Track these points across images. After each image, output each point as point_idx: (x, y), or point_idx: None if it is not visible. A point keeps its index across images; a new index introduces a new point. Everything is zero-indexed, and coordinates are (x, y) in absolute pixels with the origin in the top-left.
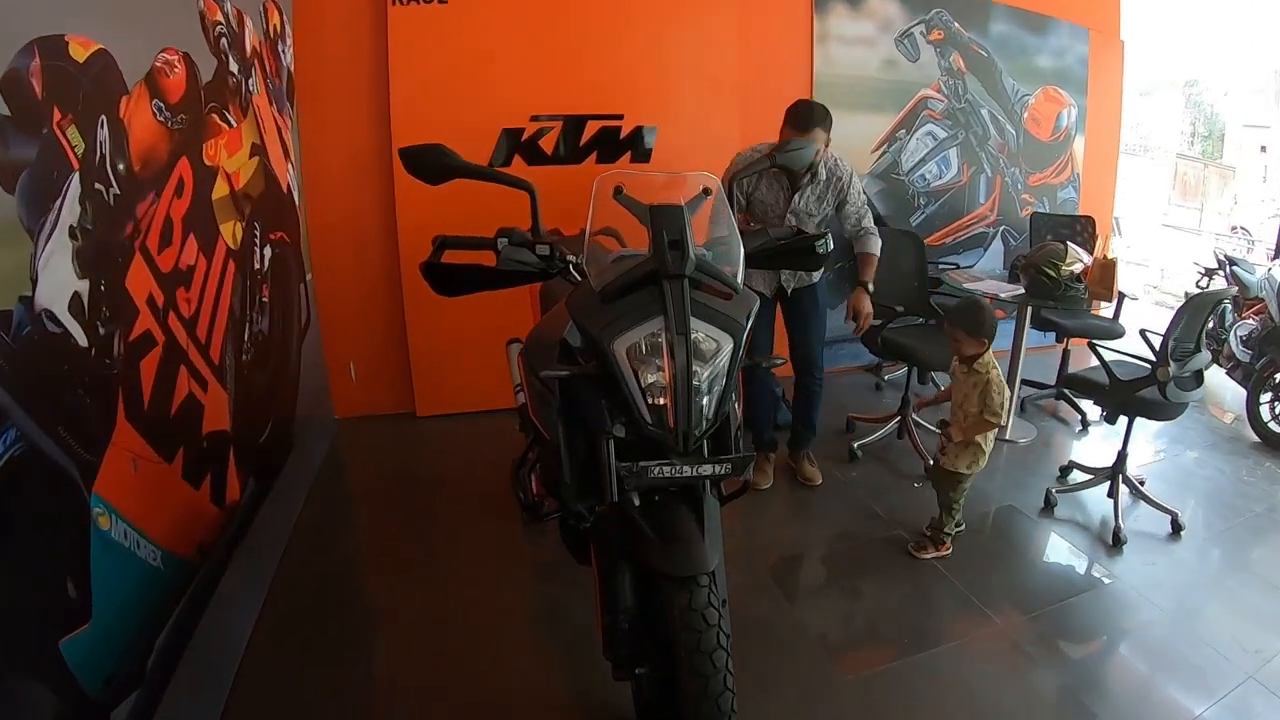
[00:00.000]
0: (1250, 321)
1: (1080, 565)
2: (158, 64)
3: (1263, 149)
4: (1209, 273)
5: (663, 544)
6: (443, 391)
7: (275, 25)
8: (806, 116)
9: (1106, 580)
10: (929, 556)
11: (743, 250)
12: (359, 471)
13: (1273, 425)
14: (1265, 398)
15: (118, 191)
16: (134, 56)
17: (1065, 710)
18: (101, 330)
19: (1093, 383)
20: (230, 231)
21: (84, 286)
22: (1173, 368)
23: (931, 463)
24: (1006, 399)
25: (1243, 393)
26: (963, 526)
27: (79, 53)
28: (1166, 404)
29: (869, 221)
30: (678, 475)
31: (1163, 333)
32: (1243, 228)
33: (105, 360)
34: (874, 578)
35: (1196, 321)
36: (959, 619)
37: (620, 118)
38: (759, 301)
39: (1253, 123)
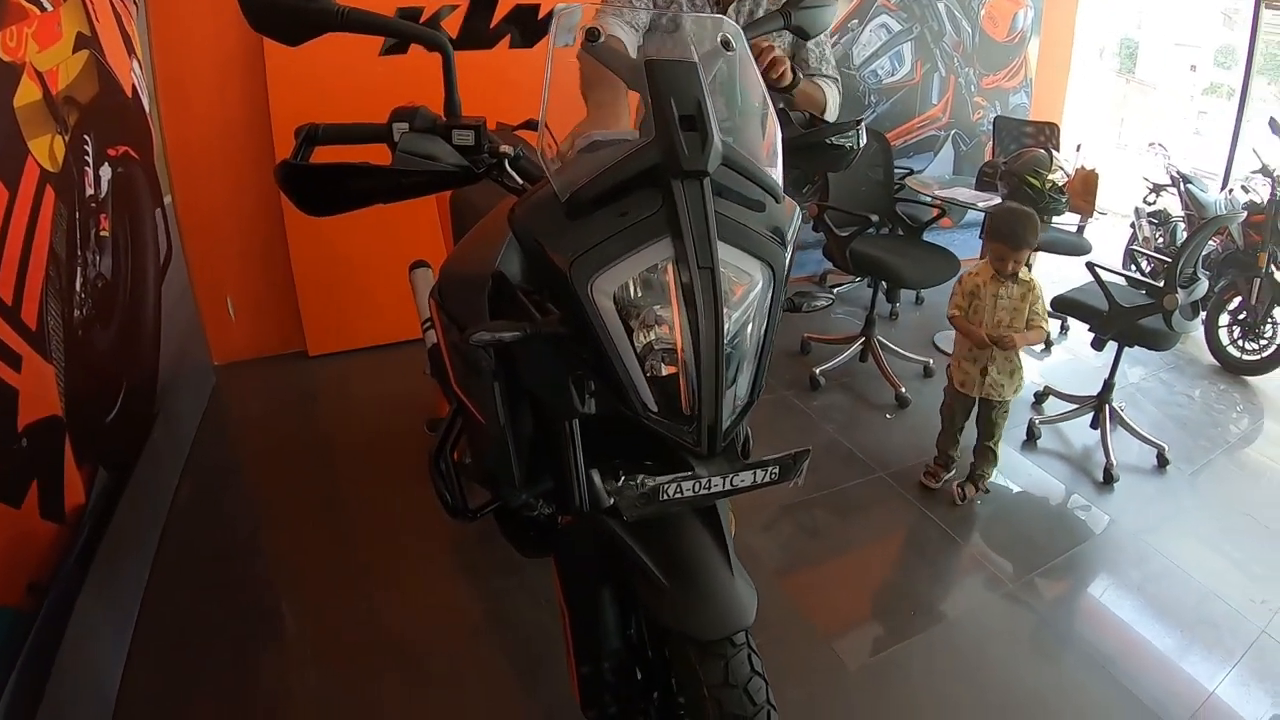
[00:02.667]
0: (1210, 243)
1: (1078, 507)
2: None
3: (1193, 68)
4: (1158, 189)
5: (677, 591)
6: (337, 326)
7: None
8: None
9: (1106, 523)
10: (969, 499)
11: (779, 134)
12: (245, 432)
13: (1231, 350)
14: (1223, 320)
15: None
16: None
17: (1100, 684)
18: None
19: (1088, 307)
20: (45, 149)
21: None
22: (1180, 294)
23: (965, 398)
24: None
25: (1200, 317)
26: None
27: None
28: (1169, 334)
29: (831, 68)
30: (704, 494)
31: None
32: (1160, 145)
33: None
34: (864, 535)
35: (1201, 246)
36: (964, 581)
37: None
38: (800, 214)
39: (1184, 42)
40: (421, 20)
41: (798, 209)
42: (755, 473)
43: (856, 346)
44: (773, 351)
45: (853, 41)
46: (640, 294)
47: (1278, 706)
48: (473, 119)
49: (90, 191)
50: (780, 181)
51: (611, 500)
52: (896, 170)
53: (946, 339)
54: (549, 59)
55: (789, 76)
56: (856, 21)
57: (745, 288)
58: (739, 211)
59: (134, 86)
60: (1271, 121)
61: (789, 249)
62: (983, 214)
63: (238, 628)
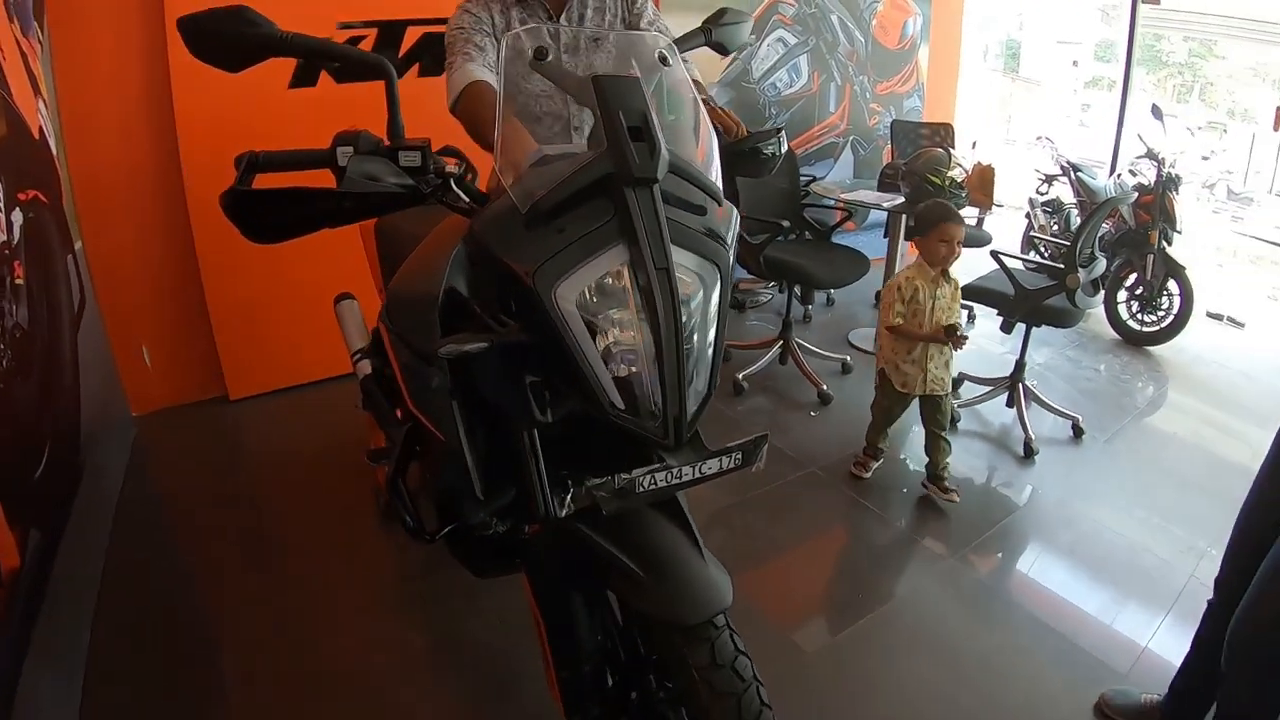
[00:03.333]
0: (1103, 225)
1: (1003, 482)
2: None
3: (1074, 64)
4: (1049, 179)
5: (656, 582)
6: (257, 367)
7: None
8: None
9: (1032, 493)
10: (947, 499)
11: (715, 142)
12: (171, 485)
13: (1131, 323)
14: (1121, 296)
15: None
16: None
17: (1045, 642)
18: None
19: (995, 293)
20: None
21: None
22: (1081, 274)
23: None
24: None
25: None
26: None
27: None
28: (1074, 311)
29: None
30: (676, 483)
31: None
32: (1048, 138)
33: None
34: (804, 528)
35: (1097, 228)
36: (905, 561)
37: (445, 21)
38: (738, 217)
39: (1065, 39)
40: None
41: (735, 212)
42: (721, 460)
43: (775, 350)
44: (725, 346)
45: (751, 56)
46: (596, 300)
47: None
48: (417, 140)
49: (3, 238)
50: (720, 186)
51: (570, 509)
52: (801, 177)
53: (860, 336)
54: (499, 83)
55: (744, 131)
56: (754, 36)
57: (696, 287)
58: (684, 216)
59: (41, 128)
60: (1154, 107)
61: (731, 250)
62: (886, 214)
63: (186, 684)
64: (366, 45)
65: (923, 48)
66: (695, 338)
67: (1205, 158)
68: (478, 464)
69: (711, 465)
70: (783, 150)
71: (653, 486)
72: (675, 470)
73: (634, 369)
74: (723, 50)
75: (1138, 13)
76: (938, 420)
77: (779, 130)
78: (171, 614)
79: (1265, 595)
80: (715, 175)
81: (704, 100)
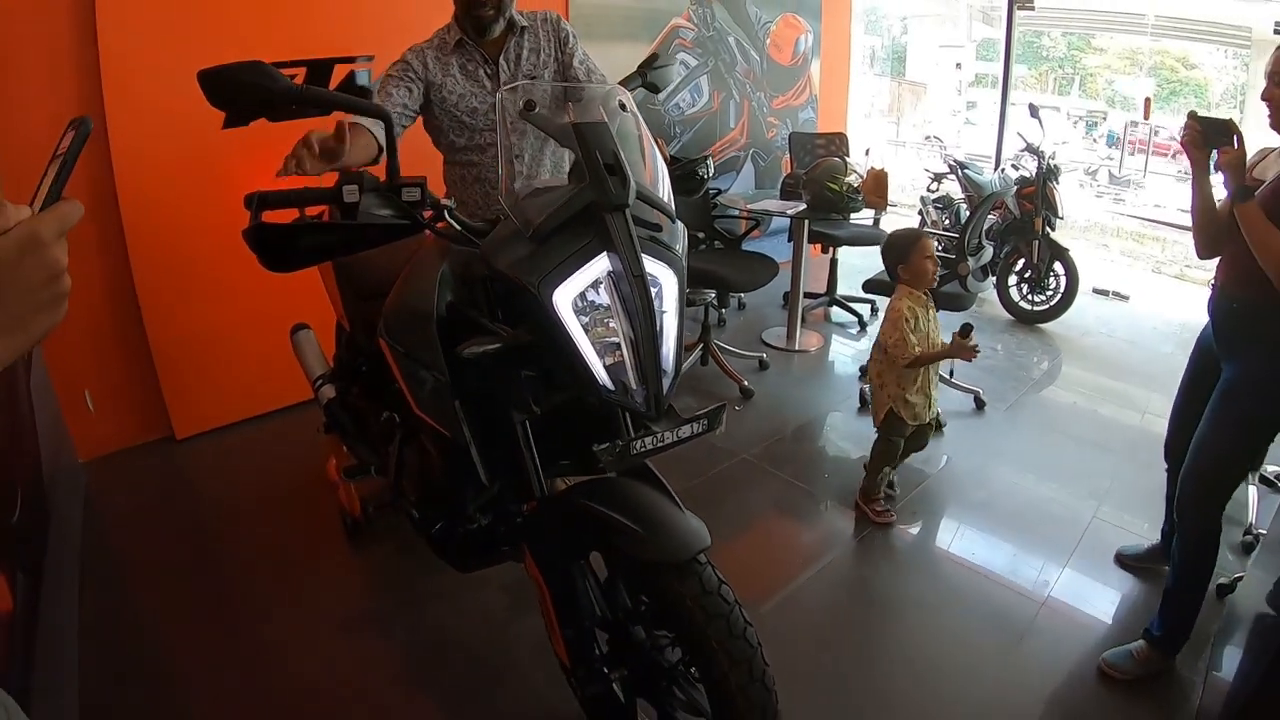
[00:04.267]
0: (991, 217)
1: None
2: None
3: (958, 66)
4: (938, 177)
5: (648, 533)
6: (202, 404)
7: None
8: None
9: (945, 461)
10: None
11: (666, 171)
12: (126, 531)
13: (1023, 304)
14: (1011, 281)
15: None
16: None
17: (964, 582)
18: None
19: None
20: None
21: None
22: (970, 261)
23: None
24: None
25: (990, 279)
26: None
27: None
28: (965, 295)
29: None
30: (662, 445)
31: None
32: (936, 137)
33: None
34: (740, 507)
35: (983, 219)
36: (834, 526)
37: (371, 59)
38: (686, 232)
39: (948, 43)
40: None
41: (684, 228)
42: (692, 425)
43: (697, 353)
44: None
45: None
46: (587, 301)
47: (1108, 565)
48: (415, 178)
49: None
50: (673, 206)
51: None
52: (708, 190)
53: (773, 335)
54: (500, 129)
55: (665, 155)
56: (672, 56)
57: (662, 287)
58: (649, 230)
59: None
60: (1030, 106)
61: (683, 257)
62: (789, 221)
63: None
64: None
65: (814, 62)
66: (665, 329)
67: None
68: (480, 453)
69: (685, 430)
70: (711, 172)
71: (644, 449)
72: (659, 435)
73: (619, 356)
74: (655, 89)
75: (1014, 16)
76: (922, 445)
77: (706, 156)
78: (151, 657)
79: (1195, 462)
80: (668, 197)
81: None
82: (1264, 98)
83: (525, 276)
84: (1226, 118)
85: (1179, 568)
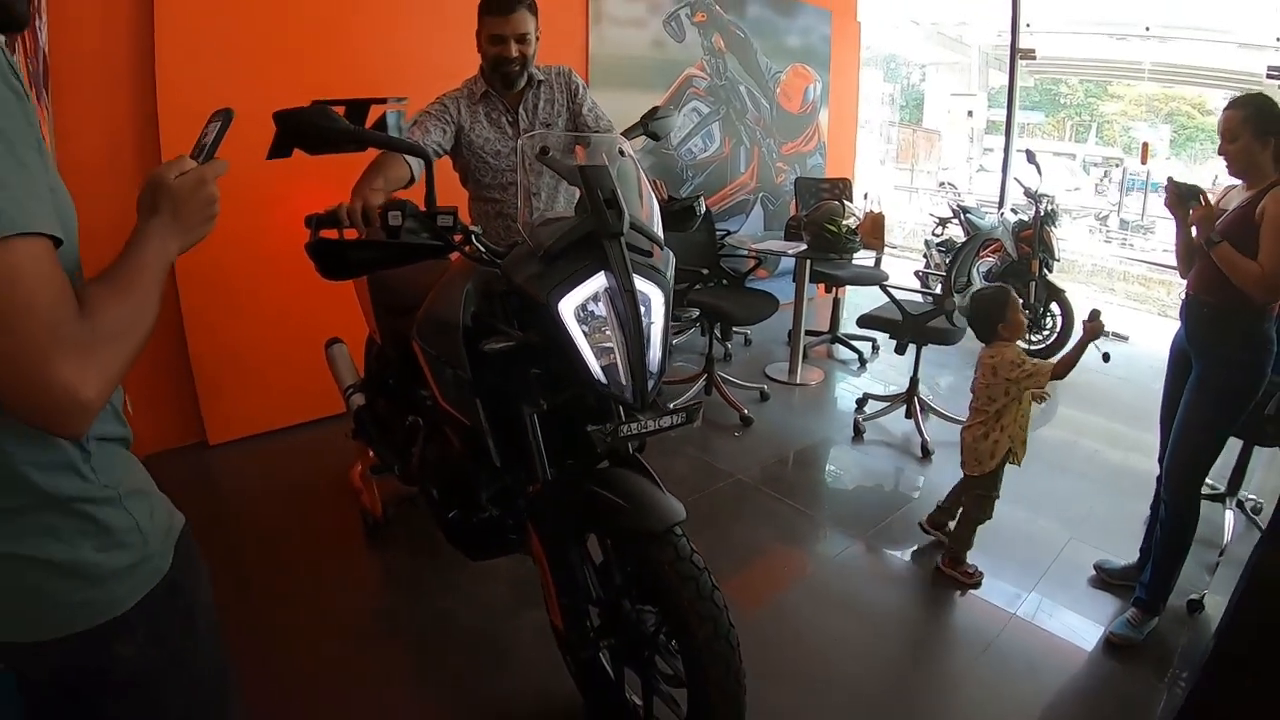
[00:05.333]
0: (989, 259)
1: (904, 478)
2: None
3: (969, 114)
4: (943, 222)
5: (634, 507)
6: (236, 412)
7: None
8: None
9: (928, 485)
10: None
11: (658, 207)
12: None
13: (1019, 343)
14: None
15: None
16: None
17: (940, 598)
18: None
19: (886, 319)
20: None
21: None
22: (956, 298)
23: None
24: None
25: None
26: None
27: None
28: (953, 330)
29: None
30: (645, 431)
31: (941, 273)
32: (950, 183)
33: None
34: (734, 523)
35: (969, 258)
36: (824, 542)
37: (405, 101)
38: (674, 259)
39: (960, 92)
40: None
41: (672, 254)
42: (672, 417)
43: (701, 383)
44: (671, 346)
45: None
46: (589, 310)
47: (1077, 586)
48: (449, 207)
49: None
50: (662, 237)
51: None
52: (717, 231)
53: (776, 369)
54: (520, 170)
55: (665, 193)
56: (672, 107)
57: (651, 303)
58: (640, 256)
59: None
60: (1028, 153)
61: (670, 278)
62: (794, 261)
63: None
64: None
65: (823, 111)
66: (651, 335)
67: (1099, 192)
68: (496, 440)
69: (666, 420)
70: (702, 210)
71: (629, 433)
72: (643, 422)
73: (612, 358)
74: (655, 137)
75: (1016, 67)
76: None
77: (699, 196)
78: None
79: (1175, 443)
80: (658, 228)
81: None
82: (1219, 153)
83: (536, 288)
84: (1195, 184)
85: (1163, 534)
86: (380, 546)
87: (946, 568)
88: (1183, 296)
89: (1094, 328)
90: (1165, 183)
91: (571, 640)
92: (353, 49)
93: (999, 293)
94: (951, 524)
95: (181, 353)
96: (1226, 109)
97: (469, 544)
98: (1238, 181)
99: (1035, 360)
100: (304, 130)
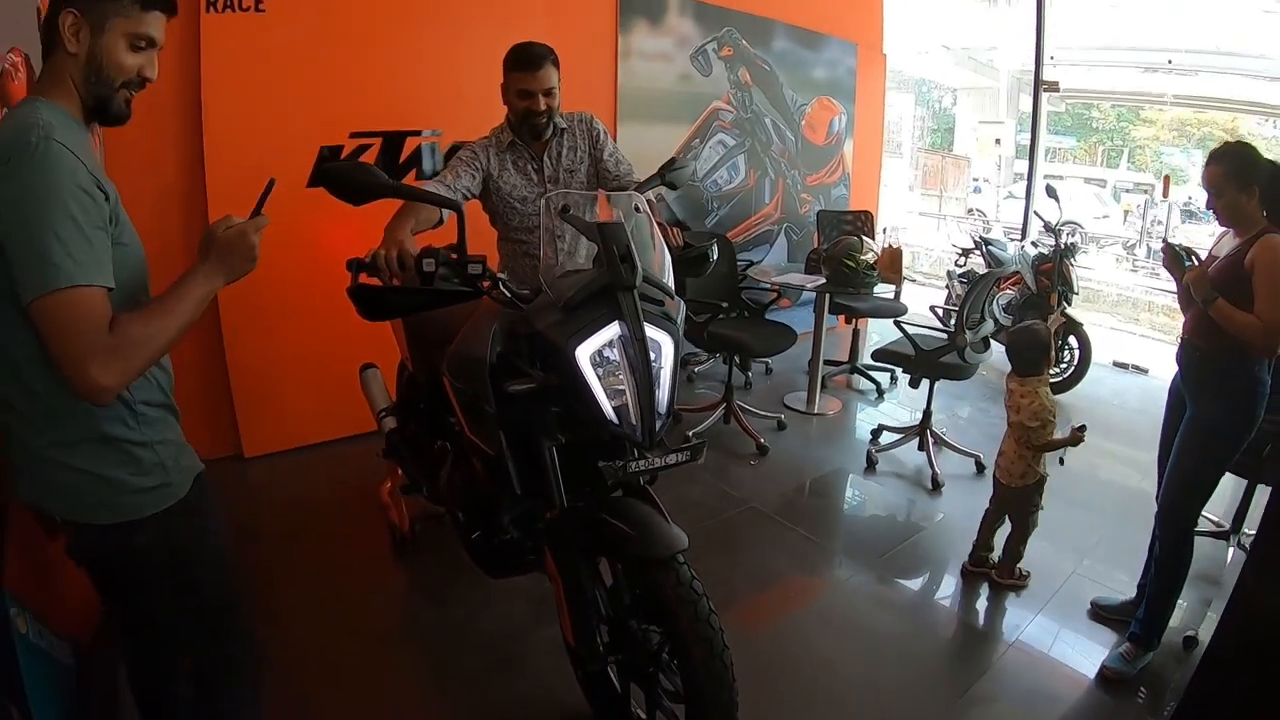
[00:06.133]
0: (1009, 292)
1: (914, 509)
2: (5, 65)
3: (997, 141)
4: (965, 253)
5: (641, 535)
6: (270, 428)
7: None
8: (533, 53)
9: (939, 517)
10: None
11: (670, 258)
12: None
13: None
14: None
15: None
16: None
17: (942, 625)
18: None
19: (900, 354)
20: None
21: None
22: (968, 335)
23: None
24: None
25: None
26: None
27: None
28: (965, 365)
29: (636, 173)
30: (652, 467)
31: (955, 307)
32: (979, 209)
33: None
34: (747, 547)
35: (982, 296)
36: (831, 570)
37: (439, 134)
38: (684, 307)
39: (988, 119)
40: (343, 156)
41: (682, 303)
42: (678, 454)
43: (720, 412)
44: (679, 389)
45: (695, 157)
46: (603, 356)
47: (1078, 618)
48: (478, 256)
49: None
50: (673, 287)
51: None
52: (739, 262)
53: (794, 399)
54: (542, 228)
55: (680, 240)
56: (699, 141)
57: (658, 349)
58: (652, 306)
59: None
60: (1048, 187)
61: (680, 327)
62: (814, 294)
63: None
64: (372, 153)
65: (848, 142)
66: (661, 379)
67: (1127, 222)
68: (517, 468)
69: (672, 458)
70: (715, 257)
71: (637, 469)
72: (650, 459)
73: (624, 399)
74: (673, 187)
75: (1040, 100)
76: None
77: (713, 242)
78: None
79: (1169, 481)
80: (669, 279)
81: (658, 222)
82: (1207, 207)
83: (557, 335)
84: (1188, 246)
85: (1157, 571)
86: (407, 560)
87: (1003, 579)
88: (1178, 340)
89: (1077, 438)
90: (1163, 245)
91: (582, 655)
92: (389, 81)
93: (1043, 330)
94: (992, 556)
95: (221, 370)
96: (1207, 164)
97: (490, 563)
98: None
99: (1047, 424)
100: (348, 184)
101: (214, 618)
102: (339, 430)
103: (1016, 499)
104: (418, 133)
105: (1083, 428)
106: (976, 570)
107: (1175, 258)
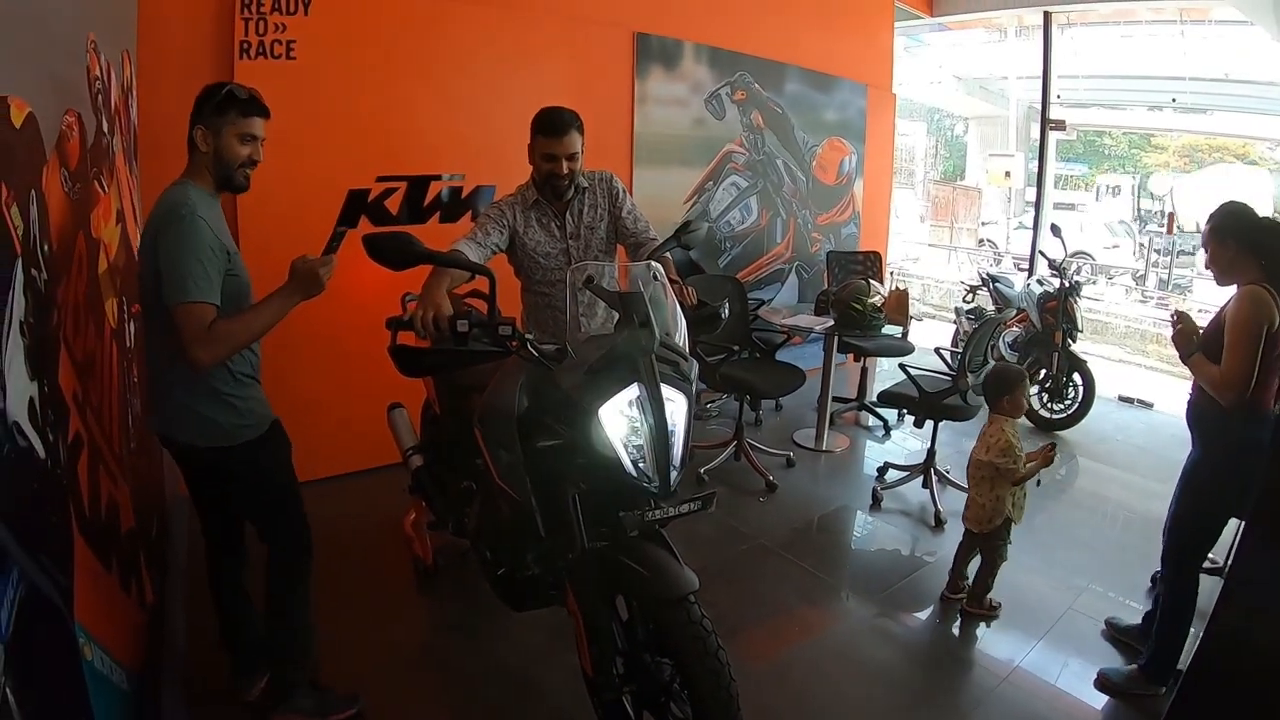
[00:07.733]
0: (1015, 329)
1: (917, 545)
2: (62, 127)
3: (1007, 174)
4: (973, 289)
5: (655, 576)
6: (298, 458)
7: (128, 77)
8: (559, 120)
9: (939, 554)
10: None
11: (684, 321)
12: None
13: (1043, 412)
14: (1033, 390)
15: (46, 277)
16: (47, 118)
17: (942, 657)
18: (50, 437)
19: (904, 396)
20: (111, 309)
21: (35, 390)
22: (970, 378)
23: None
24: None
25: None
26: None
27: (16, 116)
28: (966, 407)
29: (654, 230)
30: (668, 516)
31: (959, 350)
32: (990, 240)
33: (57, 471)
34: (753, 582)
35: (984, 339)
36: (835, 604)
37: (462, 177)
38: (697, 366)
39: (998, 151)
40: (369, 199)
41: (695, 363)
42: (690, 504)
43: (730, 449)
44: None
45: (709, 199)
46: (624, 414)
47: (1076, 649)
48: (508, 318)
49: (129, 344)
50: (687, 349)
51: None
52: (750, 301)
53: (803, 436)
54: (569, 300)
55: (693, 297)
56: (712, 183)
57: (674, 407)
58: (669, 367)
59: (138, 249)
60: (1053, 226)
61: (693, 386)
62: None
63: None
64: (397, 197)
65: (858, 181)
66: (675, 435)
67: (1137, 256)
68: (542, 514)
69: (685, 507)
70: (725, 316)
71: (654, 518)
72: (665, 509)
73: (642, 453)
74: (687, 249)
75: (1047, 137)
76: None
77: (724, 301)
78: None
79: (1170, 522)
80: (683, 340)
81: (672, 281)
82: (1205, 266)
83: (581, 395)
84: (1183, 310)
85: (1163, 610)
86: (430, 590)
87: (971, 608)
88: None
89: (1048, 457)
90: (1171, 317)
91: (599, 684)
92: (413, 126)
93: (1014, 370)
94: (965, 583)
95: None
96: (1205, 224)
97: (514, 597)
98: None
99: (1018, 460)
100: (390, 252)
101: (275, 500)
102: (361, 463)
103: (986, 538)
104: (439, 176)
105: (1053, 445)
106: (954, 597)
107: (1184, 335)
